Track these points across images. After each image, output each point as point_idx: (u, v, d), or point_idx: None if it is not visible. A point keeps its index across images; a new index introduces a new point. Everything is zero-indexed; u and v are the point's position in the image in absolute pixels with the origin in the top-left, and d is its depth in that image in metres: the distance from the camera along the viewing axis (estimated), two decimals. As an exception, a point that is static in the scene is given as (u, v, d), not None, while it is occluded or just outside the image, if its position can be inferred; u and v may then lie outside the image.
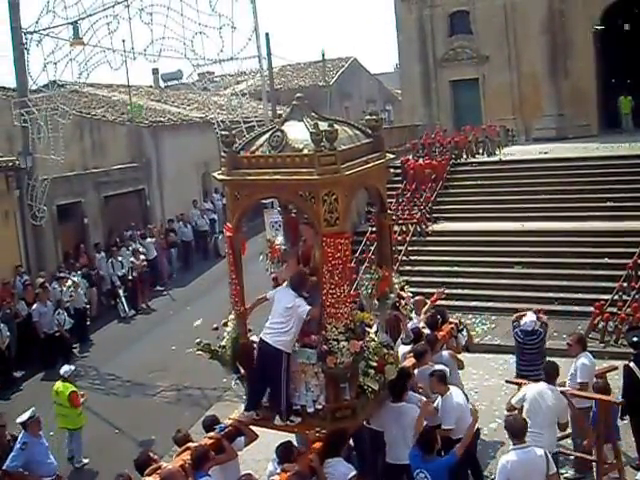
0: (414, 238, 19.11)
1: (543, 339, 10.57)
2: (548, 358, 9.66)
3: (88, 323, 18.02)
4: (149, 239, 21.42)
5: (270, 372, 7.37)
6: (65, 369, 11.39)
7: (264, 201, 14.06)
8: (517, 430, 7.05)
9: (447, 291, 16.34)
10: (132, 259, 19.80)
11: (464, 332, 10.43)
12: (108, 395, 14.17)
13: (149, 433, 11.65)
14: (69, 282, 17.27)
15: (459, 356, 9.88)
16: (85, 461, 11.39)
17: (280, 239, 8.64)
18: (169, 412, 12.70)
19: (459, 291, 16.83)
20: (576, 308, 15.12)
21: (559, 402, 8.16)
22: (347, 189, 7.25)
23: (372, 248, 15.79)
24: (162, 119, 26.38)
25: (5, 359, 15.11)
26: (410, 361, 8.62)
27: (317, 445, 7.20)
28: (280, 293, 7.63)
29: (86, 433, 11.78)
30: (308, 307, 7.25)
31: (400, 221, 19.30)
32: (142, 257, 20.22)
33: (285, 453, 7.03)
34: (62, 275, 17.58)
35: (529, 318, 10.44)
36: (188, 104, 31.71)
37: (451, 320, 10.43)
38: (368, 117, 8.20)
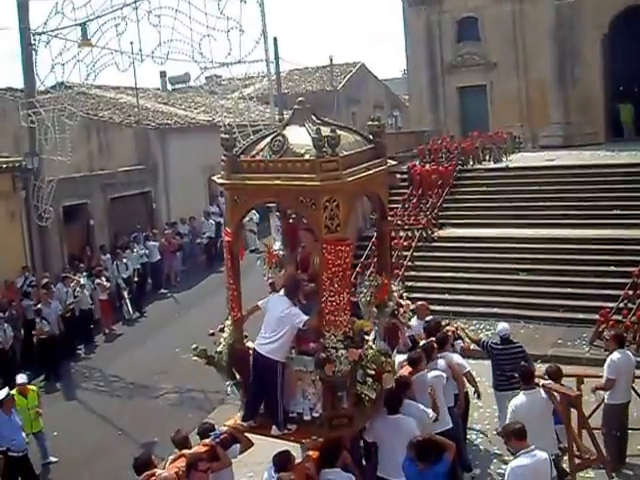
0: (420, 244, 19.03)
1: (524, 352, 9.82)
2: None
3: (92, 326, 18.00)
4: (152, 242, 21.40)
5: (266, 383, 7.31)
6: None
7: (270, 205, 14.09)
8: (517, 431, 6.93)
9: (452, 297, 16.67)
10: (97, 280, 18.10)
11: (460, 340, 10.36)
12: (111, 397, 14.22)
13: (152, 435, 11.65)
14: (74, 282, 17.31)
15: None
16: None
17: (278, 244, 8.61)
18: (172, 414, 12.68)
19: (464, 297, 16.81)
20: (581, 315, 15.05)
21: (544, 402, 8.09)
22: (348, 195, 7.18)
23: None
24: (169, 122, 26.42)
25: (8, 360, 15.12)
26: (406, 369, 8.53)
27: (313, 454, 7.14)
28: (273, 301, 7.53)
29: (89, 434, 11.93)
30: (305, 317, 7.15)
31: (406, 226, 19.27)
32: (112, 282, 18.94)
33: (282, 461, 6.93)
34: (67, 275, 17.58)
35: (502, 325, 10.22)
36: (195, 107, 31.72)
37: (448, 327, 10.36)
38: (370, 123, 8.15)
